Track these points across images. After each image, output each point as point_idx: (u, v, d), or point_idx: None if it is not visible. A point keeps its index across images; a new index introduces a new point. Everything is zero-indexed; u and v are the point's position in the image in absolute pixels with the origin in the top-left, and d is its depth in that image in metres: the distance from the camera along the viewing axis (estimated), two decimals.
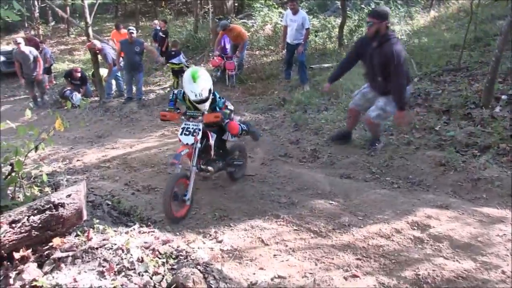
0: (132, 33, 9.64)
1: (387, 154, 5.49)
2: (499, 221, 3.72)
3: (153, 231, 3.37)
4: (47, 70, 12.06)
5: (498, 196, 4.29)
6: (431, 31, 11.20)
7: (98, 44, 10.08)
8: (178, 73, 10.47)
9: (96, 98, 10.51)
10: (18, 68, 10.42)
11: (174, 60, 10.47)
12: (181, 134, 4.20)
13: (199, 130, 4.14)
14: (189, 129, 4.18)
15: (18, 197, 3.35)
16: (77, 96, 10.04)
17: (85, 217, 2.86)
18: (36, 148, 3.38)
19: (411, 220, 3.82)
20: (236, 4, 15.42)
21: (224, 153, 4.86)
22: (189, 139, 4.12)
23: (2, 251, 2.44)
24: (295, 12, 8.60)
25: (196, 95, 4.14)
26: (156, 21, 14.43)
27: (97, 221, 3.17)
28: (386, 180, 4.98)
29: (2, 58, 14.07)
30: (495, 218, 3.79)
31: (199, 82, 4.11)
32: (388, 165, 5.29)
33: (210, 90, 4.23)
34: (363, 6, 12.43)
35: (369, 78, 5.48)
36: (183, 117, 4.40)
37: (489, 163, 4.86)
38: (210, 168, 4.49)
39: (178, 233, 3.79)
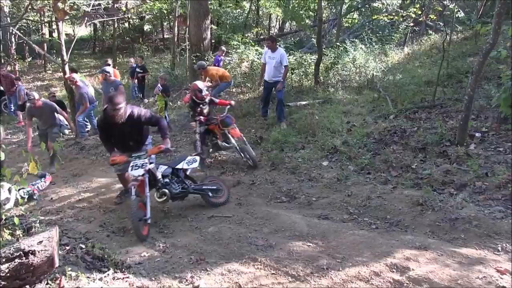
0: (107, 73, 9.37)
1: (365, 194, 5.45)
2: (478, 262, 3.67)
3: (128, 277, 3.29)
4: (21, 107, 11.81)
5: (476, 236, 4.24)
6: (405, 67, 11.47)
7: (77, 77, 9.84)
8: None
9: (72, 136, 10.26)
10: None
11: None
12: (131, 170, 5.00)
13: (146, 163, 5.06)
14: (137, 165, 5.02)
15: None
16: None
17: (57, 264, 2.79)
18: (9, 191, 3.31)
19: (390, 262, 3.75)
20: (213, 41, 15.50)
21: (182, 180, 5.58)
22: (139, 171, 4.98)
23: None
24: (273, 49, 8.61)
25: None
26: (132, 60, 14.51)
27: (69, 268, 3.05)
28: (364, 220, 4.92)
29: None
30: (474, 259, 3.74)
31: None
32: (365, 205, 5.24)
33: None
34: (338, 43, 12.66)
35: (119, 146, 5.56)
36: (130, 159, 5.14)
37: (466, 202, 4.85)
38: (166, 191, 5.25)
39: (153, 278, 3.70)
